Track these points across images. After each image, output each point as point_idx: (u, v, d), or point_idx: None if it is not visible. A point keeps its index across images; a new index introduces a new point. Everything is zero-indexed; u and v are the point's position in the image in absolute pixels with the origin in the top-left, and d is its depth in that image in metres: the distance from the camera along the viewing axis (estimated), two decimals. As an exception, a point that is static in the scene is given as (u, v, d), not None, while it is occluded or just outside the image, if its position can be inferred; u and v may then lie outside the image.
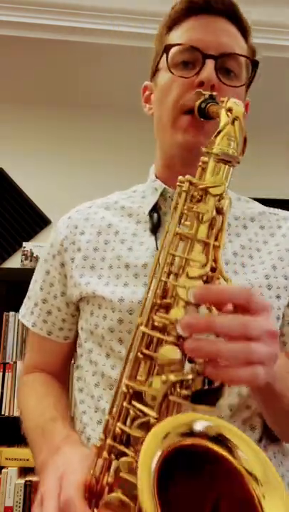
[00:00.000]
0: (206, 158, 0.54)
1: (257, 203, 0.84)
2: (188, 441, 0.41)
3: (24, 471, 1.96)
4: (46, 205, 2.46)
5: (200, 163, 0.54)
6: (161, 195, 0.77)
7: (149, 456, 0.37)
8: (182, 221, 0.52)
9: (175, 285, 0.48)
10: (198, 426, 0.42)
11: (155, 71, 0.78)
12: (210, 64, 0.69)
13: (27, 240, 2.43)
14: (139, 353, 0.49)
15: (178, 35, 0.74)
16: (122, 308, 0.68)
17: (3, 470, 1.91)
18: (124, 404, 0.48)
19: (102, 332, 0.70)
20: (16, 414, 1.99)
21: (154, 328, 0.49)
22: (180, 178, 0.54)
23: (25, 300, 0.88)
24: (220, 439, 0.42)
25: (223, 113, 0.56)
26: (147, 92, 0.83)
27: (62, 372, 0.86)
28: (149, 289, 0.51)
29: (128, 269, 0.71)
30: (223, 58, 0.70)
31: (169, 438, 0.40)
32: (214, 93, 0.65)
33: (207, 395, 0.45)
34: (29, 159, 2.50)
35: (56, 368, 0.86)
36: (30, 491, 1.88)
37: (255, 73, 0.76)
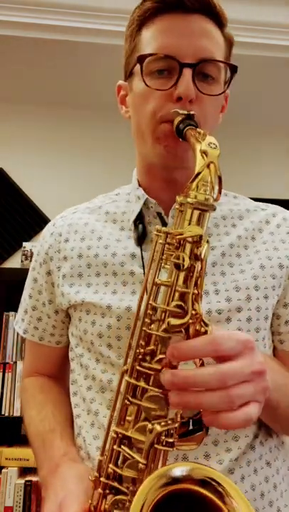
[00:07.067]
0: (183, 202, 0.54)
1: (247, 200, 0.83)
2: (173, 487, 0.43)
3: (24, 471, 1.97)
4: (46, 205, 2.46)
5: (177, 206, 0.54)
6: (144, 203, 0.76)
7: None
8: (162, 265, 0.54)
9: (157, 335, 0.50)
10: (180, 472, 0.44)
11: (130, 74, 0.73)
12: (187, 74, 0.65)
13: (27, 240, 2.43)
14: (125, 400, 0.51)
15: (150, 37, 0.68)
16: (111, 314, 0.69)
17: (3, 470, 1.92)
18: (115, 447, 0.51)
19: (91, 338, 0.71)
20: (16, 414, 2.00)
21: (138, 376, 0.51)
22: (157, 227, 0.55)
23: (19, 307, 0.89)
24: (208, 483, 0.44)
25: (198, 155, 0.55)
26: (122, 92, 0.79)
27: (60, 374, 0.87)
28: (132, 336, 0.53)
29: (116, 276, 0.72)
30: (202, 64, 0.66)
31: (151, 493, 0.41)
32: (192, 112, 0.63)
33: (192, 435, 0.48)
34: (29, 159, 2.50)
35: (54, 371, 0.88)
36: (30, 491, 1.88)
37: (233, 76, 0.71)
